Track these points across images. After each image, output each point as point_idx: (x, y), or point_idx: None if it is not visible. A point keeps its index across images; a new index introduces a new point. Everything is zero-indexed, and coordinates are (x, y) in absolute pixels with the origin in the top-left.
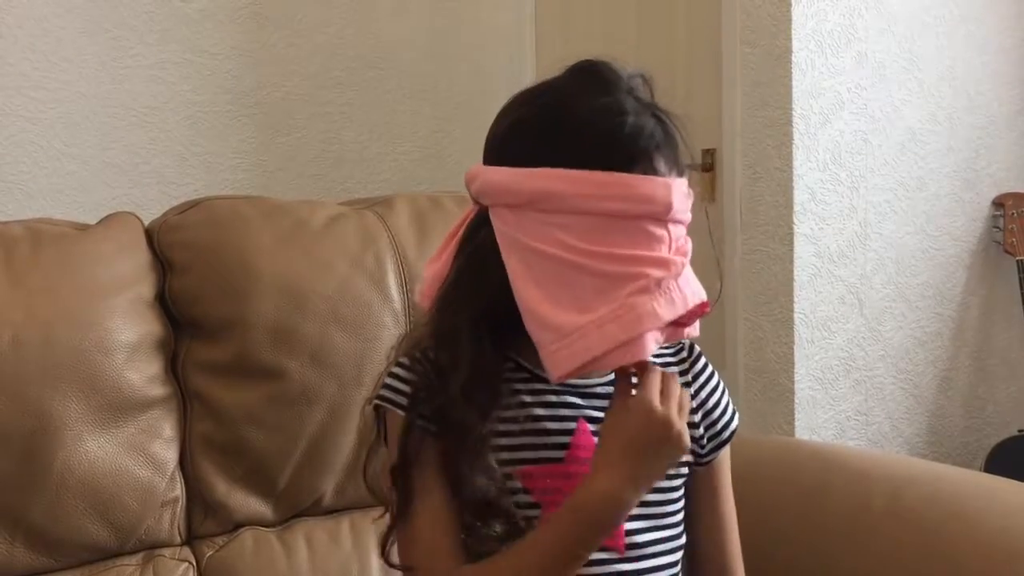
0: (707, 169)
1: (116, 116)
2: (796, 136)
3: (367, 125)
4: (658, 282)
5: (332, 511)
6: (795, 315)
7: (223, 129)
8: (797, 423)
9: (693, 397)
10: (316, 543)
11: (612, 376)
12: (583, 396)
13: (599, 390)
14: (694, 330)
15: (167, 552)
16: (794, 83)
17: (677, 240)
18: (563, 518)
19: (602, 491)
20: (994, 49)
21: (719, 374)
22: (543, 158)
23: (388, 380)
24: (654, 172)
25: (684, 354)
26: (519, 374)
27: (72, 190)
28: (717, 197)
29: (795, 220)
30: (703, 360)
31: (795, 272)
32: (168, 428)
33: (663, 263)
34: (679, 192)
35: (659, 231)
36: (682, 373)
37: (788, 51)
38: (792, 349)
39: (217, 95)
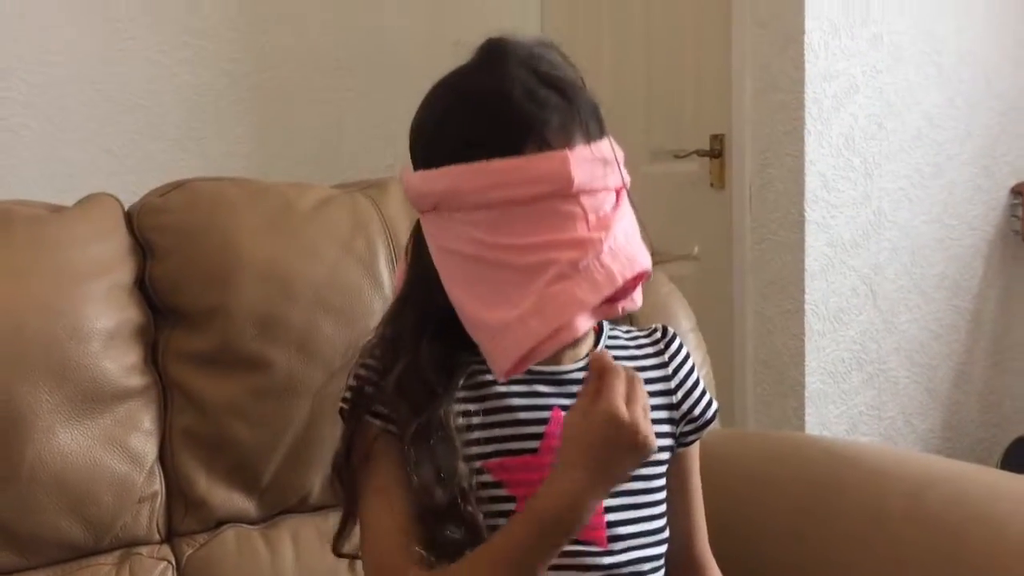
0: (716, 155)
1: (111, 100)
2: (808, 121)
3: (368, 111)
4: (574, 264)
5: (319, 508)
6: (806, 306)
7: (220, 114)
8: (807, 418)
9: (670, 379)
10: (302, 542)
11: (583, 363)
12: (554, 384)
13: (569, 376)
14: (631, 303)
15: (145, 550)
16: (807, 65)
17: (596, 211)
18: (523, 521)
19: (564, 494)
20: (1014, 32)
21: (727, 366)
22: (440, 158)
23: (350, 381)
24: (548, 147)
25: (658, 335)
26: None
27: (65, 175)
28: (726, 184)
29: (806, 208)
30: (678, 342)
31: (806, 262)
32: (147, 420)
33: (578, 244)
34: (581, 162)
35: (569, 207)
36: (657, 354)
37: (801, 32)
38: (803, 341)
39: (215, 79)
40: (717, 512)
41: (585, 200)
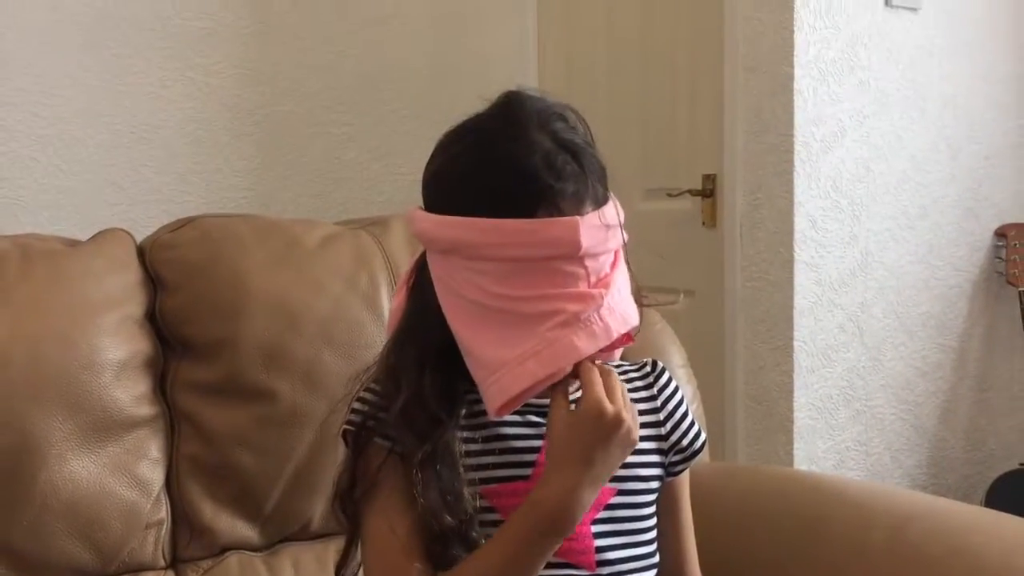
0: (707, 195)
1: (117, 133)
2: (797, 163)
3: (368, 145)
4: (576, 316)
5: (320, 536)
6: (795, 343)
7: (224, 147)
8: (796, 453)
9: (659, 411)
10: (303, 568)
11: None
12: (546, 416)
13: None
14: (611, 358)
15: None
16: (796, 110)
17: (597, 273)
18: (521, 520)
19: (558, 491)
20: (997, 77)
21: (719, 401)
22: (456, 207)
23: (355, 405)
24: (559, 213)
25: (648, 369)
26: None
27: (72, 207)
28: (717, 223)
29: (795, 247)
30: (666, 375)
31: (795, 300)
32: (155, 449)
33: (581, 298)
34: (589, 228)
35: (574, 269)
36: (646, 388)
37: (790, 78)
38: (791, 378)
39: (219, 113)
40: (706, 543)
41: (589, 262)
